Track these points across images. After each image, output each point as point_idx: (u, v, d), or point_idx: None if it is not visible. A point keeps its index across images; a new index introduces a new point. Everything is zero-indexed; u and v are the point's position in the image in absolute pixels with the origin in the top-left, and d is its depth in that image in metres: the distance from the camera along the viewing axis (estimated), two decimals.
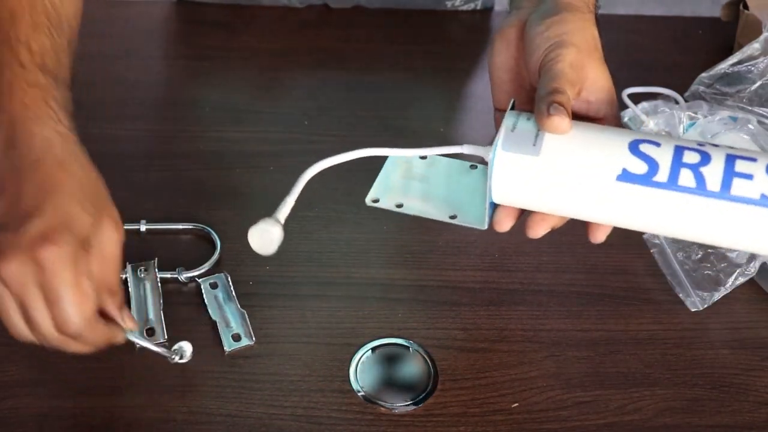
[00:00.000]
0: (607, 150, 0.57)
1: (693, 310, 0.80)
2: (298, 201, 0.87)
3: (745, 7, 1.03)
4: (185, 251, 0.83)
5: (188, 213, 0.85)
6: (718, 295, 0.80)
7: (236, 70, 1.05)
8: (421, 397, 0.73)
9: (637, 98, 0.95)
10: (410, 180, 0.66)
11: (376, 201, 0.65)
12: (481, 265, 0.84)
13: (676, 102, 0.97)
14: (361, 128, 0.98)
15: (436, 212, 0.64)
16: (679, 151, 0.56)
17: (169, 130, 0.97)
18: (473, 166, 0.66)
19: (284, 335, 0.77)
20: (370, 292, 0.81)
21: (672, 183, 0.56)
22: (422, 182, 0.66)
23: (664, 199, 0.56)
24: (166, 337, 0.75)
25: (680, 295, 0.81)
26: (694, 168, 0.55)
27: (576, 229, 0.88)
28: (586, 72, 0.60)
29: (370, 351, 0.76)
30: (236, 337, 0.76)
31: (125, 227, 0.83)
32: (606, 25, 1.20)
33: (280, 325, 0.78)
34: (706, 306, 0.80)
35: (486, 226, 0.62)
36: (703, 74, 0.99)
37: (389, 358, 0.76)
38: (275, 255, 0.84)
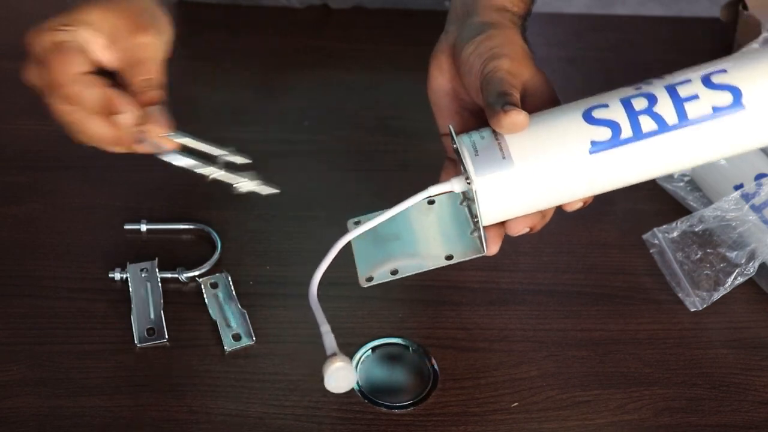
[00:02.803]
0: (569, 131, 0.59)
1: (692, 310, 0.80)
2: (297, 202, 0.87)
3: (744, 7, 1.02)
4: (186, 251, 0.83)
5: (188, 213, 0.86)
6: (717, 295, 0.80)
7: (236, 70, 1.05)
8: (421, 397, 0.73)
9: None
10: (385, 243, 0.65)
11: (370, 279, 0.64)
12: (481, 265, 0.83)
13: None
14: (361, 128, 0.98)
15: (432, 261, 0.64)
16: (627, 103, 0.59)
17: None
18: (430, 202, 0.66)
19: (284, 335, 0.77)
20: (370, 292, 0.81)
21: (638, 134, 0.58)
22: (398, 240, 0.65)
23: (637, 150, 0.59)
24: (166, 336, 0.76)
25: (679, 295, 0.81)
26: (648, 112, 0.58)
27: (576, 229, 0.88)
28: (523, 77, 0.62)
29: (370, 351, 0.76)
30: (236, 337, 0.76)
31: (126, 227, 0.84)
32: (606, 25, 1.21)
33: (280, 324, 0.78)
34: (705, 306, 0.80)
35: (486, 252, 0.62)
36: None
37: (389, 358, 0.76)
38: (275, 255, 0.84)
